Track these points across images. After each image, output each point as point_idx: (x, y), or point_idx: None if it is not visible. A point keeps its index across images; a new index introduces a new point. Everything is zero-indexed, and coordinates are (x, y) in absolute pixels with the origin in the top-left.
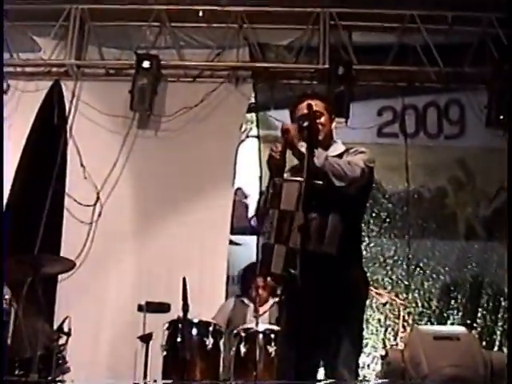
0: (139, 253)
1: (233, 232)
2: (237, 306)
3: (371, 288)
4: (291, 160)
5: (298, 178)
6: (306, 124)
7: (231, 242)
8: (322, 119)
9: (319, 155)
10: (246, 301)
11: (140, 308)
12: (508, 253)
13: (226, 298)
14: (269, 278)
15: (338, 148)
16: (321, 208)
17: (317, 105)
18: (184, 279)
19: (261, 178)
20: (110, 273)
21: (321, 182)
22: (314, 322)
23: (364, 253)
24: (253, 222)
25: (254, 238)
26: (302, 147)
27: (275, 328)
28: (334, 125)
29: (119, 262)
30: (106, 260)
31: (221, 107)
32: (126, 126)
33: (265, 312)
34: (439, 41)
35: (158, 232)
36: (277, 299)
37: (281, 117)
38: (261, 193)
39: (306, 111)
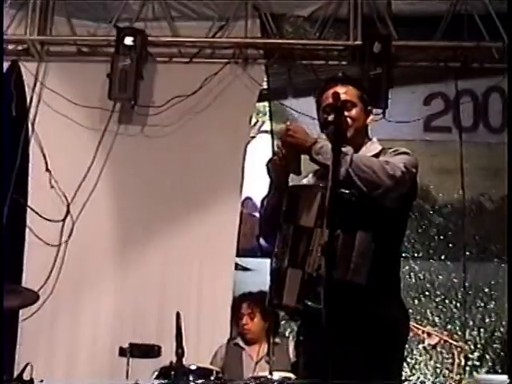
0: (121, 282)
1: (240, 254)
2: (230, 351)
3: (416, 326)
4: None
5: (319, 185)
6: (331, 118)
7: (238, 267)
8: (353, 111)
9: (343, 155)
10: (240, 343)
11: (122, 352)
12: (508, 256)
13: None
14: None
15: (372, 148)
16: (346, 223)
17: (347, 93)
18: (178, 315)
19: None
20: (84, 307)
21: (347, 191)
22: (339, 369)
23: (407, 279)
24: (261, 241)
25: (267, 261)
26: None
27: (292, 376)
28: (369, 119)
29: (96, 294)
30: (79, 291)
31: (224, 96)
32: (104, 120)
33: (261, 358)
34: (503, 9)
35: (145, 255)
36: (277, 339)
37: (301, 107)
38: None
39: (331, 101)
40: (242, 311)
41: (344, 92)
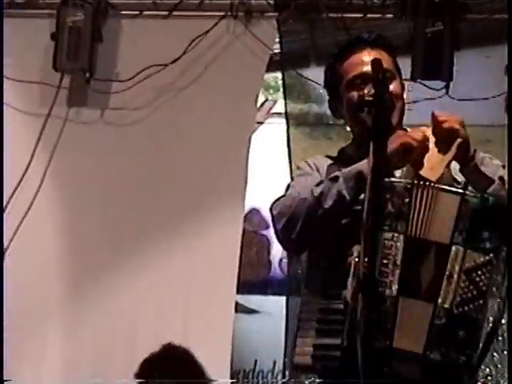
0: (74, 323)
1: (242, 290)
2: None
3: None
4: None
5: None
6: (367, 93)
7: (239, 309)
8: (393, 85)
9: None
10: None
11: None
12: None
13: None
14: None
15: None
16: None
17: (382, 58)
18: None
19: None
20: (24, 357)
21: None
22: None
23: None
24: (283, 265)
25: (281, 300)
26: None
27: None
28: (405, 96)
29: (40, 340)
30: (19, 337)
31: (220, 64)
32: (48, 100)
33: None
34: None
35: (107, 290)
36: None
37: None
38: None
39: (364, 70)
40: None
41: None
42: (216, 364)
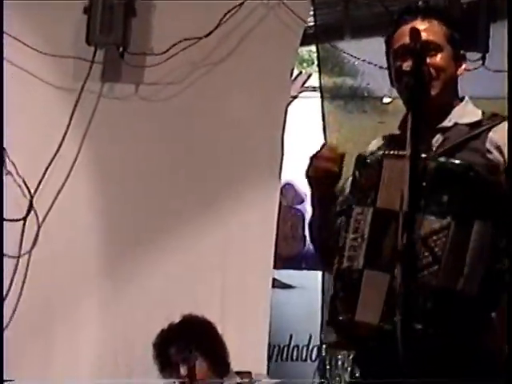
0: (107, 306)
1: (277, 265)
2: None
3: None
4: None
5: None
6: (406, 66)
7: (275, 284)
8: (439, 58)
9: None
10: None
11: None
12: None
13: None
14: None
15: (467, 112)
16: (459, 209)
17: (429, 30)
18: (190, 351)
19: None
20: (55, 343)
21: (459, 162)
22: None
23: None
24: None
25: (316, 274)
26: None
27: None
28: (461, 69)
29: (72, 324)
30: (50, 321)
31: (253, 38)
32: (81, 75)
33: None
34: None
35: (144, 269)
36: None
37: (363, 52)
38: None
39: (407, 41)
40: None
41: (425, 29)
42: (253, 340)
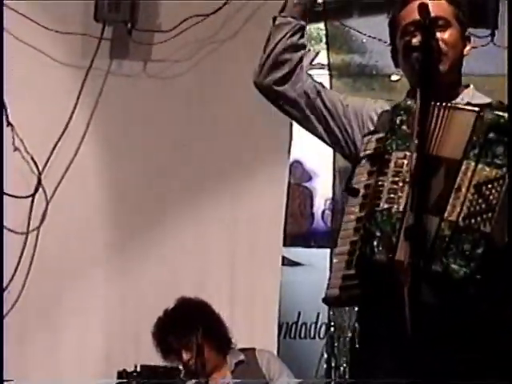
0: (116, 283)
1: (288, 243)
2: None
3: None
4: None
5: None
6: (415, 41)
7: (284, 261)
8: (448, 33)
9: None
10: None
11: (124, 377)
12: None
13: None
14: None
15: (476, 95)
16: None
17: (438, 6)
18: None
19: None
20: (64, 319)
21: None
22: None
23: None
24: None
25: (325, 252)
26: None
27: None
28: (467, 49)
29: (81, 301)
30: (58, 297)
31: (262, 14)
32: (90, 52)
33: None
34: None
35: (154, 245)
36: (241, 356)
37: (371, 29)
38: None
39: (416, 17)
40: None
41: (434, 5)
42: (263, 317)
